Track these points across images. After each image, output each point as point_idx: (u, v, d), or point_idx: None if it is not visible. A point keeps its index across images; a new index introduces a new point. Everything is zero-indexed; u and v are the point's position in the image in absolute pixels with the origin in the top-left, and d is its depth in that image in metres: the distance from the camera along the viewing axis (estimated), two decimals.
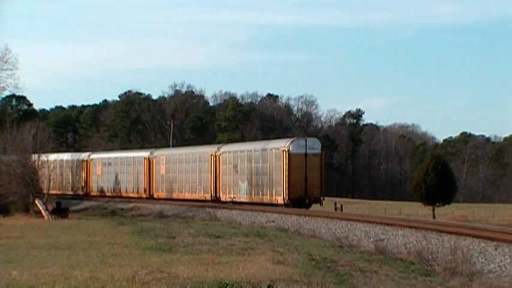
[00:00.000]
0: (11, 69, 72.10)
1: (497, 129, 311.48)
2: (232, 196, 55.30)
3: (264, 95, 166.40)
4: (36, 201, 56.44)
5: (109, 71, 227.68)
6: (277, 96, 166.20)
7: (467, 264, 23.76)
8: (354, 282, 19.84)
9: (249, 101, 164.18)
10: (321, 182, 50.66)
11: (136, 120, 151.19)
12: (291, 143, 50.28)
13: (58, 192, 71.83)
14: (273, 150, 51.57)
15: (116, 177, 70.44)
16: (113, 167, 71.20)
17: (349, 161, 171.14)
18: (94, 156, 75.67)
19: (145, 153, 68.79)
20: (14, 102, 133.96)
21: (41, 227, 42.99)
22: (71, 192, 74.14)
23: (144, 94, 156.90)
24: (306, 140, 51.52)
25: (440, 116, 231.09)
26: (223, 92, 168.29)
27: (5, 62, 71.95)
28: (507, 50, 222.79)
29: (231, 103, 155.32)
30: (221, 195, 56.79)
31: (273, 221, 42.29)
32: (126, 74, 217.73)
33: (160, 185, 64.70)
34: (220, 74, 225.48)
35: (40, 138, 61.47)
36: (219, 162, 57.29)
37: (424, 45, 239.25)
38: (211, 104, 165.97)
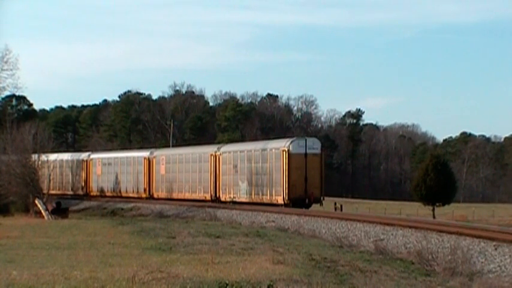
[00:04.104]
0: (11, 69, 72.17)
1: (497, 129, 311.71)
2: (232, 196, 55.30)
3: (264, 95, 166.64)
4: (36, 201, 56.39)
5: (109, 71, 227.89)
6: (277, 96, 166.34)
7: (467, 264, 23.76)
8: (354, 282, 19.84)
9: (249, 101, 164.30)
10: (321, 182, 50.65)
11: (136, 120, 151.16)
12: (291, 143, 50.28)
13: (58, 192, 71.81)
14: (273, 150, 51.57)
15: (116, 177, 70.44)
16: (113, 167, 71.20)
17: (349, 161, 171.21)
18: (94, 156, 75.67)
19: (145, 153, 68.80)
20: (14, 102, 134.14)
21: (41, 227, 42.98)
22: (71, 192, 74.14)
23: (144, 94, 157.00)
24: (305, 140, 51.52)
25: (440, 116, 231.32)
26: (223, 92, 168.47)
27: (5, 62, 72.00)
28: (507, 50, 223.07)
29: (231, 103, 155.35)
30: (221, 195, 56.78)
31: (273, 221, 42.29)
32: (126, 74, 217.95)
33: (160, 185, 64.70)
34: (220, 74, 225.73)
35: (40, 138, 61.44)
36: (219, 162, 57.30)
37: (423, 45, 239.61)
38: (211, 104, 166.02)
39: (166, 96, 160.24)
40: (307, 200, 49.65)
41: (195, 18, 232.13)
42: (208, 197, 57.95)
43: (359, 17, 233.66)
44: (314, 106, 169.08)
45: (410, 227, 31.53)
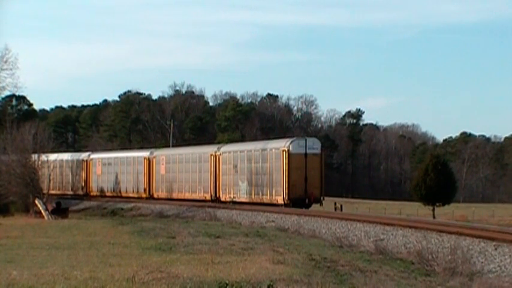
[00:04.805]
0: (11, 69, 72.19)
1: (497, 129, 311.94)
2: (232, 196, 55.29)
3: (264, 95, 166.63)
4: (36, 201, 56.38)
5: (109, 71, 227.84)
6: (277, 96, 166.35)
7: (467, 264, 23.76)
8: (353, 282, 19.84)
9: (249, 101, 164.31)
10: (321, 182, 50.64)
11: (136, 120, 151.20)
12: (290, 143, 50.27)
13: (58, 192, 71.78)
14: (273, 150, 51.56)
15: (116, 177, 70.43)
16: (113, 167, 71.19)
17: (349, 161, 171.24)
18: (94, 156, 75.67)
19: (145, 153, 68.79)
20: (14, 102, 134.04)
21: (40, 227, 42.98)
22: (71, 192, 74.11)
23: (144, 94, 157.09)
24: (305, 140, 51.50)
25: (440, 115, 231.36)
26: (223, 92, 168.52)
27: (5, 62, 72.03)
28: (507, 50, 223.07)
29: (231, 103, 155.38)
30: (221, 195, 56.77)
31: (273, 221, 42.28)
32: (126, 74, 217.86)
33: (160, 185, 64.69)
34: (221, 74, 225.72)
35: (40, 138, 61.42)
36: (219, 162, 57.28)
37: (424, 45, 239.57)
38: (211, 104, 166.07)
39: (166, 96, 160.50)
40: (307, 200, 49.64)
41: (195, 18, 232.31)
42: (208, 197, 57.94)
43: (359, 17, 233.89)
44: (314, 106, 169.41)
45: (410, 227, 31.53)
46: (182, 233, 34.70)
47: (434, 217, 72.42)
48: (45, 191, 59.13)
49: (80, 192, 73.95)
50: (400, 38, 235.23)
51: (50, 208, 56.09)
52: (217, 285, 18.09)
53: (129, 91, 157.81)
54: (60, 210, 57.33)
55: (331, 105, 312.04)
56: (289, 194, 49.34)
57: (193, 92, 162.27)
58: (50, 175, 62.23)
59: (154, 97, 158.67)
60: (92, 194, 73.19)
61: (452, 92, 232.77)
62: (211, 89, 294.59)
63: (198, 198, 58.99)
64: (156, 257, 24.87)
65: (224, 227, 40.73)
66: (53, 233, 37.03)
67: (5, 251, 28.21)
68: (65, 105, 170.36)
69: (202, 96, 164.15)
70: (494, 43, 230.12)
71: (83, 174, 74.69)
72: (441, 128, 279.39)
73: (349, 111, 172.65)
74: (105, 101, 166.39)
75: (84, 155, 77.10)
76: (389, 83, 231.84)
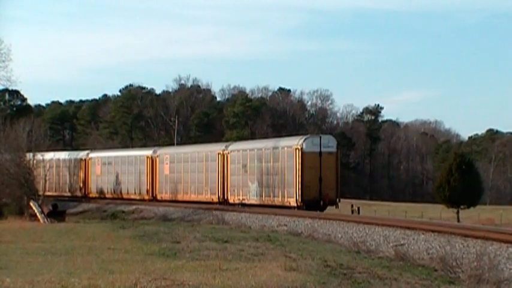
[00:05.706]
0: (4, 61, 72.34)
1: None
2: (241, 198, 55.36)
3: (276, 89, 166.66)
4: (31, 204, 56.53)
5: (109, 64, 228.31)
6: (289, 91, 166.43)
7: (494, 271, 23.73)
8: None
9: (259, 95, 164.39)
10: (337, 183, 50.66)
11: (138, 116, 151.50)
12: (304, 140, 50.28)
13: (54, 193, 72.04)
14: (285, 148, 51.59)
15: (117, 177, 70.55)
16: (113, 166, 71.33)
17: (367, 160, 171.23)
18: (93, 155, 75.81)
19: (148, 152, 68.89)
20: (7, 97, 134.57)
21: (36, 231, 43.10)
22: (68, 194, 74.35)
23: (147, 88, 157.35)
24: (320, 137, 51.49)
25: (465, 111, 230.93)
26: (232, 86, 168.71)
27: None
28: None
29: (239, 98, 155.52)
30: (229, 197, 56.85)
31: (285, 225, 42.31)
32: (128, 66, 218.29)
33: (164, 186, 64.80)
34: (229, 67, 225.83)
35: (35, 135, 61.67)
36: (227, 161, 57.34)
37: (447, 38, 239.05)
38: (218, 99, 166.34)
39: (170, 90, 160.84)
40: (321, 202, 49.65)
41: (197, 12, 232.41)
42: (215, 199, 58.04)
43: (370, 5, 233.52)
44: (329, 101, 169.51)
45: (432, 231, 31.51)
46: (188, 238, 34.78)
47: (458, 220, 72.42)
48: (40, 193, 59.31)
49: (78, 193, 74.15)
50: (426, 30, 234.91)
51: (45, 211, 56.20)
52: None
53: (130, 85, 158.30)
54: (56, 213, 57.42)
55: (347, 101, 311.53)
56: (303, 196, 49.36)
57: (199, 86, 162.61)
58: (45, 175, 62.45)
59: (158, 91, 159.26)
60: (90, 195, 73.35)
61: (478, 86, 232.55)
62: (219, 83, 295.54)
63: (204, 200, 59.10)
64: (160, 263, 24.93)
65: (233, 231, 40.78)
66: (49, 238, 37.14)
67: None
68: (61, 100, 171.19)
69: (209, 91, 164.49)
70: None
71: (81, 175, 74.85)
72: (466, 125, 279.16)
73: (367, 107, 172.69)
74: (105, 95, 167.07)
75: (82, 154, 77.26)
76: (410, 77, 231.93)
